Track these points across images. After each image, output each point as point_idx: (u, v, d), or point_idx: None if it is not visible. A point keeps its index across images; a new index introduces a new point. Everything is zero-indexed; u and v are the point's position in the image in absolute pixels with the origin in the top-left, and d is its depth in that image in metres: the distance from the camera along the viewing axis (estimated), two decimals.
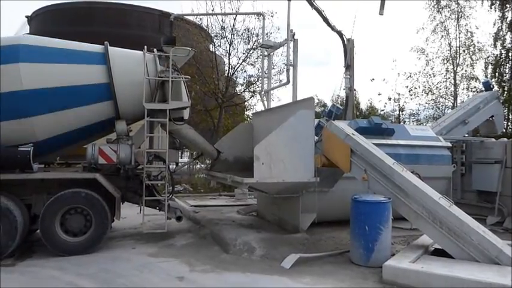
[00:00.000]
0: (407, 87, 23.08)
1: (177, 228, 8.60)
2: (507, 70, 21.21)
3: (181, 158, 19.70)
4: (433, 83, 22.56)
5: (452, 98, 21.99)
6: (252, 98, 19.93)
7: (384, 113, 24.92)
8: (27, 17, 25.44)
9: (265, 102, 9.43)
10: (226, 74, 18.41)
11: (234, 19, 17.40)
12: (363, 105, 30.52)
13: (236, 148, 8.74)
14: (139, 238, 7.84)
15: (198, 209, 10.55)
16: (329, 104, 24.90)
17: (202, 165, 16.13)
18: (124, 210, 8.15)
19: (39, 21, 25.14)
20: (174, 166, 8.78)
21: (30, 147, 6.51)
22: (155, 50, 7.66)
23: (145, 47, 7.50)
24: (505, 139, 10.71)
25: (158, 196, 7.63)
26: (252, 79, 18.87)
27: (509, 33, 20.97)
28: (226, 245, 7.02)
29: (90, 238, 6.72)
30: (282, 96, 32.57)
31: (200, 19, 18.53)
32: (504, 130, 17.61)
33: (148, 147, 7.68)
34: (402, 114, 24.51)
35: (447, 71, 22.26)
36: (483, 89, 13.32)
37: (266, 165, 6.59)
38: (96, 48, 7.47)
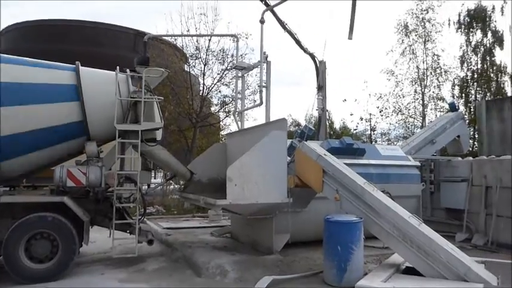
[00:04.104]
0: (378, 107, 23.71)
1: (148, 251, 8.40)
2: (472, 91, 22.14)
3: (154, 178, 19.43)
4: (402, 104, 23.27)
5: (421, 118, 22.69)
6: (227, 118, 20.03)
7: (357, 132, 25.41)
8: None
9: (239, 123, 9.47)
10: (200, 94, 18.45)
11: (209, 40, 17.61)
12: (337, 125, 31.11)
13: (210, 169, 8.69)
14: (109, 263, 7.60)
15: (171, 232, 10.35)
16: (303, 123, 25.20)
17: (176, 186, 15.93)
18: (94, 234, 7.91)
19: (10, 39, 24.71)
20: (146, 188, 8.64)
21: None
22: (128, 70, 7.62)
23: (118, 67, 7.44)
24: (471, 158, 11.09)
25: (129, 219, 7.45)
26: (227, 99, 19.00)
27: (474, 56, 22.00)
28: (199, 268, 6.90)
29: (56, 264, 6.45)
30: (257, 117, 32.82)
31: (175, 39, 18.64)
32: (470, 149, 18.27)
33: (120, 168, 7.54)
34: (374, 133, 25.07)
35: (415, 92, 23.04)
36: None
37: (239, 186, 6.57)
38: (67, 68, 7.37)
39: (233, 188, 6.54)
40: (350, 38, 9.13)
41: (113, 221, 6.99)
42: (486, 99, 19.56)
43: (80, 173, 6.88)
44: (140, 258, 7.71)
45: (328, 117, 26.45)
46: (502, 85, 21.75)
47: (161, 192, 15.87)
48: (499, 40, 21.25)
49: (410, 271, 5.98)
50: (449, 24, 22.24)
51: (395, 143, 22.61)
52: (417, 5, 22.58)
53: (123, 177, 7.39)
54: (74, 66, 7.30)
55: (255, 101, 16.04)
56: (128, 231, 7.44)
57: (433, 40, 22.62)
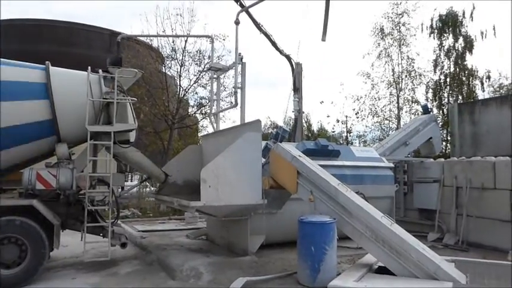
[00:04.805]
0: (354, 109, 24.04)
1: (122, 255, 8.25)
2: (445, 94, 22.70)
3: (131, 181, 19.12)
4: (378, 106, 23.66)
5: (396, 121, 23.11)
6: (204, 119, 19.95)
7: (334, 134, 25.71)
8: None
9: (215, 125, 9.44)
10: (177, 96, 18.31)
11: (185, 41, 17.50)
12: (315, 127, 31.40)
13: (185, 171, 8.63)
14: (80, 267, 7.42)
15: (146, 234, 10.22)
16: (282, 125, 25.26)
17: (153, 189, 15.74)
18: (66, 238, 7.78)
19: None
20: (120, 190, 8.49)
21: None
22: (100, 70, 7.49)
23: (89, 67, 7.31)
24: (442, 159, 11.36)
25: (102, 222, 7.30)
26: (204, 101, 18.92)
27: (446, 60, 22.57)
28: (173, 271, 6.83)
29: (25, 270, 6.26)
30: (236, 119, 32.82)
31: (151, 40, 18.46)
32: (444, 151, 18.73)
33: (92, 171, 7.40)
34: (350, 135, 25.41)
35: (391, 94, 23.46)
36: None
37: (213, 188, 6.55)
38: (37, 67, 7.19)
39: (207, 189, 6.51)
40: (323, 39, 9.23)
41: (84, 224, 6.85)
42: (458, 102, 20.07)
43: (49, 175, 6.71)
44: (113, 262, 7.57)
45: (306, 119, 26.74)
46: (473, 88, 22.37)
47: (137, 194, 15.64)
48: (469, 44, 21.84)
49: (383, 270, 6.06)
50: (422, 29, 22.76)
51: (371, 145, 22.94)
52: (392, 9, 23.05)
53: (96, 180, 7.27)
54: (44, 66, 7.13)
55: (231, 102, 16.04)
56: (100, 235, 7.29)
57: (408, 44, 23.13)
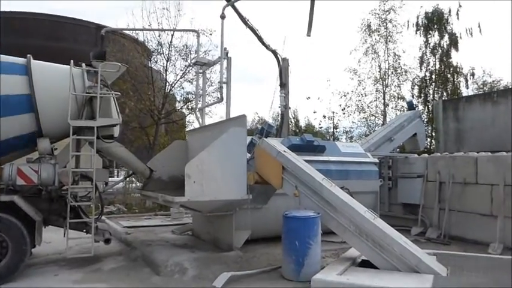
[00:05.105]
0: (340, 105, 24.10)
1: (107, 251, 8.19)
2: (431, 91, 22.94)
3: (117, 177, 18.97)
4: (364, 102, 23.78)
5: (382, 117, 23.27)
6: (190, 115, 19.83)
7: (321, 130, 25.74)
8: None
9: (200, 120, 9.39)
10: (163, 90, 18.16)
11: (172, 35, 17.35)
12: (302, 123, 31.38)
13: (170, 166, 8.58)
14: (63, 264, 7.34)
15: (131, 230, 10.15)
16: (270, 121, 25.21)
17: (139, 184, 15.62)
18: (49, 234, 7.69)
19: None
20: (104, 186, 8.41)
21: None
22: (83, 64, 7.38)
23: (72, 61, 7.19)
24: (426, 155, 11.50)
25: (85, 218, 7.22)
26: (190, 96, 18.80)
27: (432, 57, 22.78)
28: (157, 266, 6.79)
29: (5, 266, 6.17)
30: (223, 114, 32.63)
31: (136, 34, 18.27)
32: (428, 147, 18.96)
33: (75, 166, 7.31)
34: (336, 131, 25.46)
35: (377, 91, 23.59)
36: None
37: (198, 183, 6.52)
38: (18, 61, 7.05)
39: (192, 185, 6.48)
40: (308, 35, 9.24)
41: (67, 220, 6.77)
42: (443, 99, 20.29)
43: (31, 170, 6.62)
44: (97, 258, 7.50)
45: (293, 115, 26.73)
46: (457, 85, 22.64)
47: (122, 190, 15.52)
48: (454, 42, 22.07)
49: (366, 264, 6.13)
50: (408, 26, 22.90)
51: (357, 140, 23.04)
52: (379, 5, 23.14)
53: (79, 175, 7.17)
54: (25, 59, 6.99)
55: (218, 97, 15.99)
56: (84, 231, 7.23)
57: (395, 41, 23.25)
